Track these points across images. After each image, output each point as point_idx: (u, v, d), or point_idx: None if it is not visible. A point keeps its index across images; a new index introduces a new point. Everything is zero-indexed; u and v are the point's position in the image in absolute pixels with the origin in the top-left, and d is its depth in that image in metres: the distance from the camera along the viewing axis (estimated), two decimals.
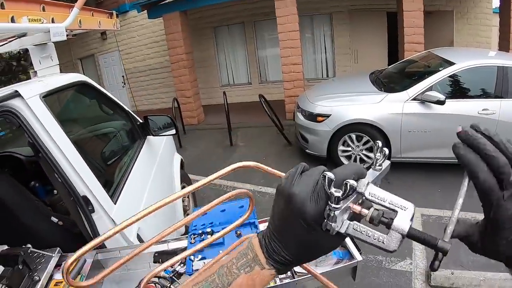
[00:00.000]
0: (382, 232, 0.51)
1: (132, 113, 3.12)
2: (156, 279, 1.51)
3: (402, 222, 0.50)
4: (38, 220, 2.18)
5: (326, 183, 0.51)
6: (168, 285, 1.48)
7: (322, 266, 1.38)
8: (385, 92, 5.10)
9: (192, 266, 1.40)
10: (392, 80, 5.68)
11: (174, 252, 1.66)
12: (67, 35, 2.59)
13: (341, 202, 0.50)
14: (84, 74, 9.30)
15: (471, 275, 3.30)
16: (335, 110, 5.13)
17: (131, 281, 1.62)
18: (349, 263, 1.35)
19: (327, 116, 5.14)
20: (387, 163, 0.65)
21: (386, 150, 0.63)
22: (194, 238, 1.57)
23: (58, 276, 1.53)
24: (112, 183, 2.26)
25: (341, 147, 5.26)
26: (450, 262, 3.54)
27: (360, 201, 0.55)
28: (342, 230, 0.52)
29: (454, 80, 4.86)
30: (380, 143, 0.64)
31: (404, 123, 4.82)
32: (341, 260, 1.40)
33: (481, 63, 4.78)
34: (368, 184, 0.54)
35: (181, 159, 3.92)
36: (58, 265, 1.60)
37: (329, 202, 0.50)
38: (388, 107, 4.88)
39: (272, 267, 0.58)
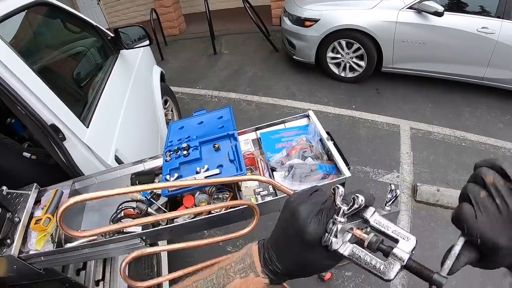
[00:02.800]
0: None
1: (102, 28, 2.90)
2: (133, 204, 1.44)
3: (403, 251, 0.51)
4: (9, 159, 2.09)
5: (337, 195, 0.54)
6: (146, 208, 1.40)
7: (307, 182, 1.29)
8: None
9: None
10: None
11: (151, 172, 1.57)
12: None
13: (346, 217, 0.54)
14: None
15: (456, 194, 3.25)
16: (324, 14, 4.85)
17: (111, 205, 1.55)
18: (336, 179, 1.25)
19: (316, 20, 4.87)
20: (396, 209, 0.66)
21: (398, 192, 0.64)
22: (170, 155, 1.45)
23: (38, 213, 1.48)
24: (84, 106, 2.12)
25: (330, 54, 5.08)
26: (438, 179, 3.58)
27: (363, 229, 0.56)
28: (341, 250, 0.54)
29: None
30: (393, 186, 0.65)
31: (398, 32, 4.58)
32: (327, 175, 1.30)
33: None
34: (374, 211, 0.56)
35: (161, 71, 3.74)
36: (37, 201, 1.55)
37: (334, 215, 0.54)
38: (382, 14, 4.61)
39: (266, 276, 0.61)
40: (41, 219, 1.41)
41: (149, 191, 1.48)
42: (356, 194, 0.54)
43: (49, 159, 2.04)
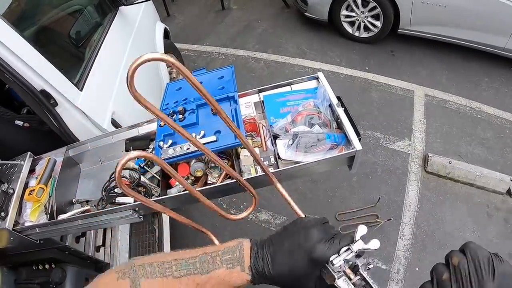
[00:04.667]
0: None
1: None
2: (127, 172, 1.36)
3: None
4: (1, 128, 2.07)
5: (359, 232, 0.64)
6: (138, 176, 1.31)
7: (313, 153, 1.16)
8: None
9: (161, 154, 1.18)
10: None
11: (146, 137, 1.48)
12: None
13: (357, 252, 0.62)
14: None
15: (468, 168, 3.25)
16: None
17: (106, 172, 1.51)
18: (346, 152, 1.13)
19: None
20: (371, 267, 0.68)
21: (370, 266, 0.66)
22: None
23: (32, 183, 1.46)
24: (78, 69, 2.02)
25: (344, 12, 4.80)
26: (450, 150, 3.48)
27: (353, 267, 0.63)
28: (335, 283, 0.62)
29: None
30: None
31: None
32: (336, 146, 1.17)
33: None
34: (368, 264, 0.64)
35: (165, 28, 3.59)
36: (31, 170, 1.54)
37: (350, 244, 0.63)
38: None
39: (251, 274, 0.65)
40: (34, 189, 1.39)
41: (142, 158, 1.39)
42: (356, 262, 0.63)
43: (43, 126, 1.99)
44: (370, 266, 0.67)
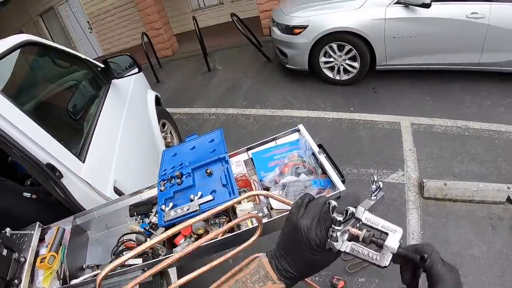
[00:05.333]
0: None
1: (91, 60, 2.92)
2: (133, 236, 1.45)
3: (393, 242, 0.61)
4: (10, 200, 2.10)
5: (331, 209, 0.65)
6: (144, 239, 1.40)
7: None
8: None
9: (164, 216, 1.28)
10: None
11: (149, 202, 1.58)
12: None
13: (342, 225, 0.64)
14: (47, 29, 8.80)
15: (464, 186, 3.28)
16: (312, 20, 4.84)
17: (114, 237, 1.58)
18: (331, 193, 1.24)
19: (304, 27, 4.86)
20: (381, 194, 0.76)
21: (381, 184, 0.76)
22: (164, 184, 1.45)
23: (43, 251, 1.52)
24: (79, 141, 2.13)
25: (322, 59, 5.04)
26: (444, 173, 3.52)
27: (357, 225, 0.67)
28: (343, 249, 0.65)
29: None
30: (375, 177, 0.76)
31: (387, 28, 4.55)
32: (322, 190, 1.29)
33: None
34: (364, 211, 0.66)
35: (156, 95, 3.74)
36: (41, 239, 1.59)
37: (332, 225, 0.64)
38: (370, 12, 4.58)
39: (283, 282, 0.71)
40: (46, 257, 1.43)
41: (148, 221, 1.49)
42: (348, 207, 0.65)
43: (50, 197, 2.03)
44: (374, 197, 0.73)
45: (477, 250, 2.81)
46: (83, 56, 2.84)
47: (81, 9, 10.96)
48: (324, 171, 1.36)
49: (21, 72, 2.38)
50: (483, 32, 4.28)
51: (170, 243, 1.38)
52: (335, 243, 0.65)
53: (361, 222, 0.66)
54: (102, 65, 2.89)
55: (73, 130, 2.27)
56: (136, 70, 2.95)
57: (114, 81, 2.91)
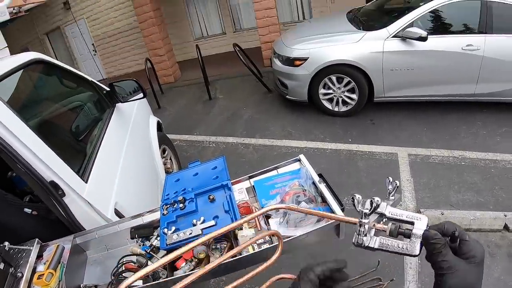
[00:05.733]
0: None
1: (97, 83, 2.98)
2: (134, 258, 1.46)
3: (420, 229, 0.63)
4: (10, 215, 2.09)
5: (356, 203, 0.69)
6: (145, 261, 1.42)
7: (303, 226, 1.31)
8: (364, 31, 4.91)
9: (166, 240, 1.31)
10: (370, 18, 5.46)
11: (150, 225, 1.60)
12: (16, 13, 2.41)
13: (369, 217, 0.67)
14: (52, 48, 8.96)
15: (461, 215, 3.31)
16: (312, 52, 4.97)
17: (113, 259, 1.58)
18: (331, 221, 1.27)
19: (305, 59, 4.98)
20: (398, 195, 0.78)
21: (397, 183, 0.77)
22: (167, 208, 1.48)
23: (40, 268, 1.50)
24: (82, 161, 2.15)
25: (322, 90, 5.15)
26: (441, 202, 3.55)
27: (382, 221, 0.69)
28: (371, 244, 0.67)
29: (436, 15, 4.69)
30: (391, 178, 0.77)
31: (385, 61, 4.69)
32: (322, 218, 1.32)
33: None
34: (386, 205, 0.70)
35: (158, 121, 3.79)
36: (39, 256, 1.57)
37: (359, 218, 0.68)
38: (368, 45, 4.73)
39: None
40: (43, 274, 1.42)
41: (149, 244, 1.51)
42: (372, 198, 0.68)
43: (50, 214, 2.02)
44: (392, 197, 0.75)
45: None
46: (89, 78, 2.90)
47: (87, 31, 11.22)
48: (324, 200, 1.40)
49: (28, 89, 2.43)
50: (478, 64, 4.44)
51: (171, 266, 1.39)
52: (364, 238, 0.67)
53: (385, 217, 0.69)
54: (108, 88, 2.94)
55: (77, 150, 2.30)
56: (141, 95, 3.00)
57: (119, 104, 2.96)
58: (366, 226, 0.67)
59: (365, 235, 0.67)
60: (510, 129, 4.54)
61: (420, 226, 0.63)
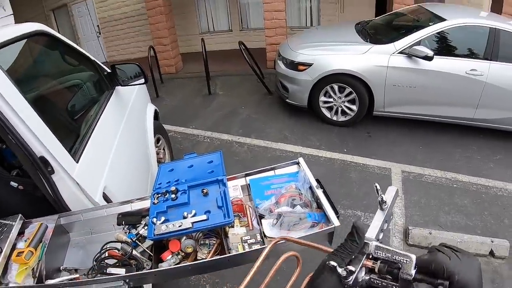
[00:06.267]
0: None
1: (99, 63, 2.92)
2: (118, 245, 1.43)
3: (407, 272, 0.61)
4: None
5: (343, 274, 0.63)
6: (130, 250, 1.38)
7: (296, 230, 1.28)
8: (371, 44, 4.91)
9: (154, 230, 1.27)
10: (379, 32, 5.46)
11: (139, 213, 1.56)
12: None
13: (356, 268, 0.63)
14: (57, 25, 8.87)
15: (448, 236, 3.32)
16: (317, 59, 4.95)
17: (96, 243, 1.56)
18: (325, 228, 1.25)
19: (309, 65, 4.96)
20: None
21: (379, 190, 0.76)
22: (158, 198, 1.44)
23: (20, 245, 1.47)
24: (75, 140, 2.10)
25: (322, 98, 5.13)
26: (429, 222, 3.55)
27: (370, 259, 0.67)
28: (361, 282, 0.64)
29: (443, 37, 4.71)
30: (378, 186, 0.76)
31: (389, 76, 4.69)
32: (316, 224, 1.30)
33: (473, 22, 4.63)
34: (375, 246, 0.66)
35: (155, 109, 3.74)
36: (21, 232, 1.54)
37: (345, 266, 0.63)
38: (373, 59, 4.72)
39: None
40: (23, 251, 1.39)
41: (135, 232, 1.48)
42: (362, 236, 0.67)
43: (36, 191, 1.97)
44: (384, 206, 0.74)
45: None
46: (92, 57, 2.84)
47: (93, 12, 11.10)
48: (319, 206, 1.37)
49: (29, 61, 2.37)
50: (480, 89, 4.48)
51: (156, 258, 1.36)
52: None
53: (371, 255, 0.66)
54: (109, 70, 2.89)
55: (71, 129, 2.24)
56: (142, 80, 2.95)
57: (118, 88, 2.91)
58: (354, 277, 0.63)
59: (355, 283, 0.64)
60: (504, 157, 4.58)
61: (408, 268, 0.61)
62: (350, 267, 0.63)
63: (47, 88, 2.38)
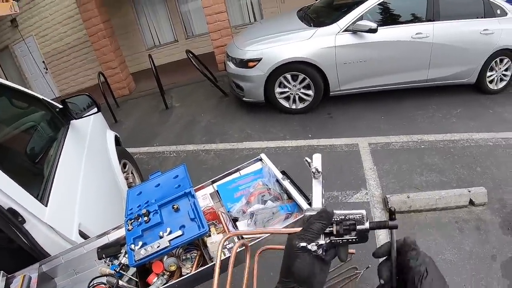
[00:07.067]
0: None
1: (49, 101, 2.87)
2: (104, 279, 1.42)
3: (363, 225, 0.71)
4: None
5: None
6: (116, 281, 1.38)
7: (272, 225, 1.32)
8: (315, 27, 5.02)
9: (134, 256, 1.28)
10: (320, 15, 5.59)
11: (117, 243, 1.56)
12: None
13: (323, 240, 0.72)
14: (1, 68, 8.48)
15: (426, 196, 3.42)
16: (265, 52, 5.00)
17: (83, 282, 1.54)
18: (299, 217, 1.29)
19: (258, 60, 5.01)
20: (317, 156, 0.98)
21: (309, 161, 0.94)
22: (131, 223, 1.44)
23: None
24: (40, 184, 2.06)
25: (278, 89, 5.19)
26: (405, 186, 3.67)
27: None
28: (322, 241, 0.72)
29: (385, 7, 4.88)
30: (308, 159, 0.94)
31: (338, 55, 4.80)
32: (290, 215, 1.34)
33: None
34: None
35: (115, 135, 3.69)
36: None
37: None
38: (320, 41, 4.82)
39: None
40: None
41: (117, 262, 1.48)
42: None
43: (12, 243, 1.91)
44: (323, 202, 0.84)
45: (448, 254, 2.92)
46: (40, 96, 2.79)
47: (36, 48, 10.79)
48: (289, 196, 1.41)
49: None
50: (428, 50, 4.64)
51: (143, 283, 1.36)
52: (318, 250, 0.70)
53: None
54: (60, 106, 2.84)
55: (33, 173, 2.19)
56: (95, 110, 2.92)
57: (73, 122, 2.86)
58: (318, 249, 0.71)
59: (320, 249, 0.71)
60: (464, 110, 4.80)
61: (362, 222, 0.71)
62: (320, 241, 0.71)
63: (2, 137, 2.32)
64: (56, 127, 2.73)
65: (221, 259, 1.24)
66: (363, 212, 0.71)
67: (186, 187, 1.48)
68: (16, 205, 1.71)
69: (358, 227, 0.71)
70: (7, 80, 2.61)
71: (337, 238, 0.72)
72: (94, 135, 3.13)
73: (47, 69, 11.07)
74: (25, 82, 11.27)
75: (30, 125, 2.61)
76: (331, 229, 0.72)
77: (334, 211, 0.73)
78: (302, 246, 0.70)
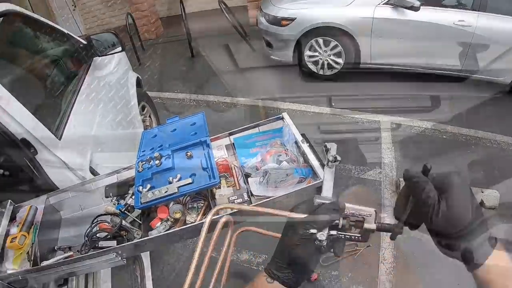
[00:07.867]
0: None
1: (74, 36, 2.86)
2: (108, 217, 1.41)
3: (370, 224, 0.71)
4: None
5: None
6: (119, 221, 1.36)
7: (283, 186, 1.26)
8: None
9: (141, 198, 1.25)
10: None
11: (126, 183, 1.54)
12: None
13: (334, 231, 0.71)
14: (30, 3, 8.40)
15: None
16: (300, 13, 4.84)
17: (87, 218, 1.51)
18: (313, 183, 1.23)
19: (292, 19, 4.86)
20: (333, 145, 0.93)
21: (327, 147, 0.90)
22: (142, 165, 1.41)
23: (13, 231, 1.43)
24: (56, 118, 2.06)
25: (307, 53, 5.05)
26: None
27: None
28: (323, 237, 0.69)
29: None
30: (328, 146, 0.90)
31: (375, 28, 4.62)
32: (304, 179, 1.28)
33: None
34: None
35: (138, 77, 3.67)
36: (13, 218, 1.51)
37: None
38: (358, 10, 4.63)
39: None
40: (16, 237, 1.37)
41: (123, 202, 1.46)
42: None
43: (23, 174, 1.96)
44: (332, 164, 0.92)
45: None
46: (65, 31, 2.76)
47: None
48: (305, 160, 1.35)
49: (1, 43, 2.29)
50: (468, 40, 4.39)
51: (146, 226, 1.35)
52: (323, 241, 0.69)
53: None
54: (85, 42, 2.81)
55: (50, 106, 2.20)
56: (120, 49, 2.90)
57: (96, 59, 2.84)
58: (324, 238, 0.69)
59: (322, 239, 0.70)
60: (494, 109, 4.55)
61: (370, 221, 0.71)
62: (332, 232, 0.71)
63: (23, 68, 2.33)
64: (79, 62, 2.72)
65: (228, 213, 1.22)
66: (373, 211, 0.71)
67: (202, 135, 1.43)
68: (30, 136, 1.71)
69: (365, 225, 0.71)
70: (33, 12, 2.58)
71: (341, 232, 0.71)
72: (116, 74, 3.12)
73: (75, 6, 10.95)
74: (53, 17, 11.20)
75: (53, 59, 2.60)
76: (337, 221, 0.71)
77: (346, 205, 0.72)
78: (311, 233, 0.69)
